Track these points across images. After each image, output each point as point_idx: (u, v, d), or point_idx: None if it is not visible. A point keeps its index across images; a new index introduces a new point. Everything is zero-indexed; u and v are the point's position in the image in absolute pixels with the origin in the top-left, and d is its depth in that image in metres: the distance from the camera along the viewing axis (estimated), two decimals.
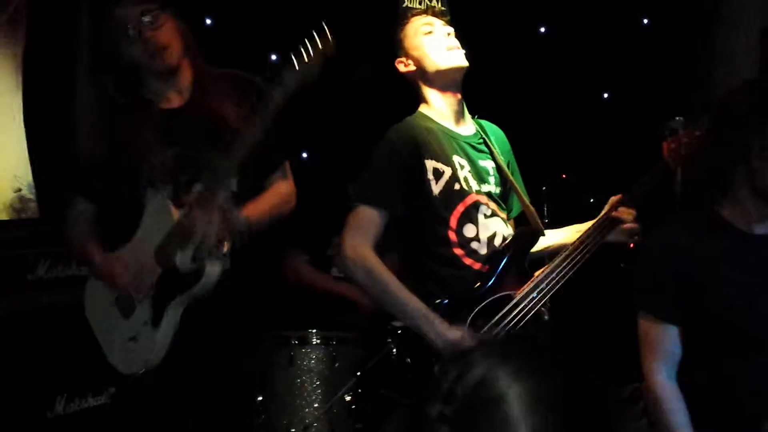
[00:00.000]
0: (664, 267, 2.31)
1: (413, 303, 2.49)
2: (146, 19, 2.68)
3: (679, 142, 2.64)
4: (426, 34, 2.72)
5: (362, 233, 2.55)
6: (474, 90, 2.82)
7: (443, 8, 2.80)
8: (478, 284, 2.58)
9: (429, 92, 2.75)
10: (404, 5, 2.78)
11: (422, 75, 2.74)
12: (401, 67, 2.78)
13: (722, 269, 2.27)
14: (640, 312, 2.37)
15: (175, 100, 2.78)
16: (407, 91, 2.80)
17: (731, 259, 2.28)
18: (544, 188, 4.12)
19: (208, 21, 4.42)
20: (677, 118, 2.67)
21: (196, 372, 2.68)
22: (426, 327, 2.46)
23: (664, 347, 2.32)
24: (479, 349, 1.09)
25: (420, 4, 2.77)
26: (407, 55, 2.75)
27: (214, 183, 2.57)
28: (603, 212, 2.73)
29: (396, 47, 2.79)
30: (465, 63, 2.71)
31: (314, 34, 2.40)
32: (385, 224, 2.57)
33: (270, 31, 4.55)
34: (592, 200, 3.76)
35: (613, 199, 2.74)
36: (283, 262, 4.02)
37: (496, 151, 2.79)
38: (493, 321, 2.52)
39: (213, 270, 2.58)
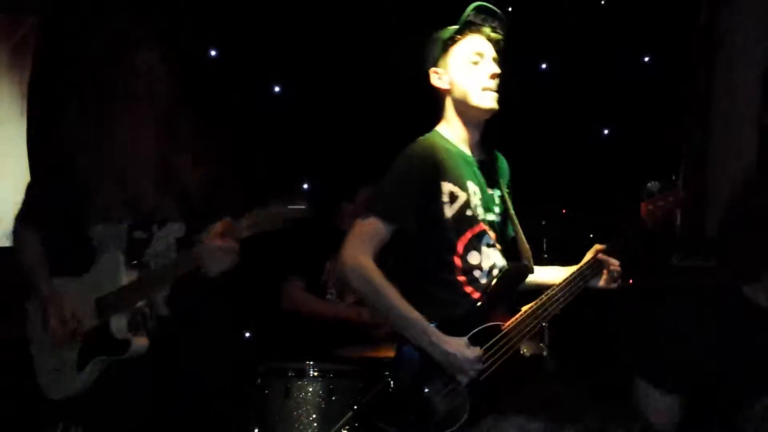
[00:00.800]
0: None
1: (411, 313, 2.48)
2: None
3: (656, 205, 2.77)
4: (473, 63, 2.68)
5: (365, 243, 2.52)
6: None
7: (501, 35, 2.74)
8: (469, 311, 2.59)
9: (453, 116, 2.74)
10: (468, 18, 2.69)
11: (452, 98, 2.72)
12: (434, 79, 2.73)
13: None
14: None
15: None
16: (404, 121, 2.78)
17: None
18: (543, 222, 4.13)
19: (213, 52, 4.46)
20: (653, 181, 2.79)
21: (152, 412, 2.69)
22: (423, 337, 2.46)
23: None
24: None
25: (483, 21, 2.71)
26: (446, 71, 2.72)
27: (172, 267, 2.64)
28: (586, 258, 2.78)
29: (437, 52, 2.72)
30: (495, 107, 2.68)
31: (296, 202, 2.48)
32: (389, 239, 2.55)
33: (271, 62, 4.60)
34: (591, 236, 3.78)
35: (597, 247, 2.79)
36: (280, 288, 4.02)
37: (501, 180, 2.81)
38: (485, 346, 2.52)
39: (141, 345, 2.64)
